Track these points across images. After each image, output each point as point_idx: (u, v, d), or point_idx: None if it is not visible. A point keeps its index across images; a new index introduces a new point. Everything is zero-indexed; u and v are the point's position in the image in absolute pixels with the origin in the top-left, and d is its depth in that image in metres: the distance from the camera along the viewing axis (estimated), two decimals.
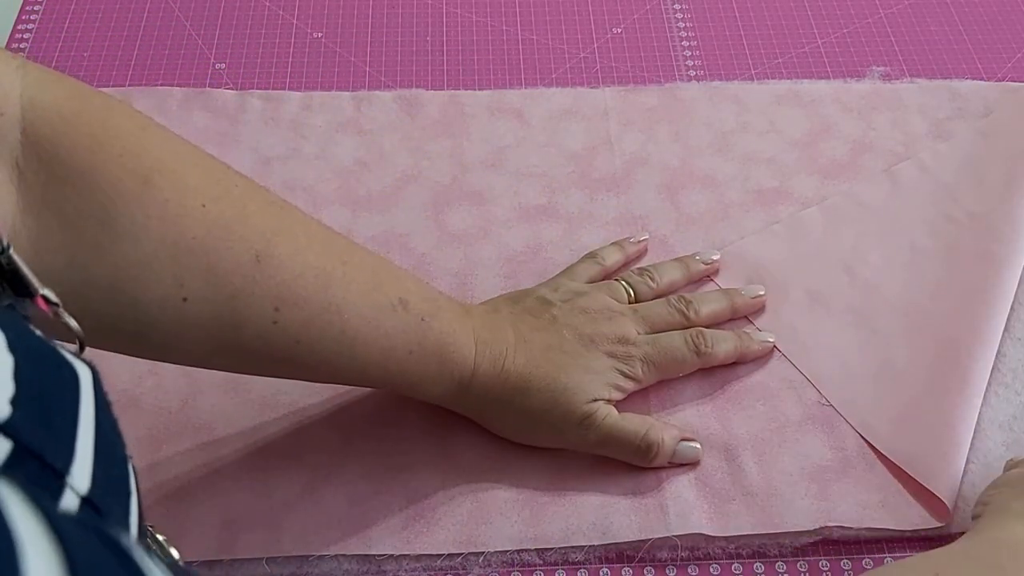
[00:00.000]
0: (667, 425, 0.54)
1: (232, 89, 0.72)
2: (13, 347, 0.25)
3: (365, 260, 0.49)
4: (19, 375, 0.24)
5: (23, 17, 0.76)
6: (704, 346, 0.56)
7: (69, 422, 0.26)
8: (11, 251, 0.33)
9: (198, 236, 0.43)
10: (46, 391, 0.25)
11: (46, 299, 0.33)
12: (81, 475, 0.25)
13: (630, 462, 0.54)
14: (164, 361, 0.48)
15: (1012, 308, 0.59)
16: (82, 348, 0.35)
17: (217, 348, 0.45)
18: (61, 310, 0.34)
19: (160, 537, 0.41)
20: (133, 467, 0.30)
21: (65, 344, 0.32)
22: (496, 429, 0.54)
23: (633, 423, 0.53)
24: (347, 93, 0.72)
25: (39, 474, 0.24)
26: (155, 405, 0.56)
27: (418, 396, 0.52)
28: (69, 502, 0.24)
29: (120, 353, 0.46)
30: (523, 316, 0.55)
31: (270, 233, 0.45)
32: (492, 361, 0.52)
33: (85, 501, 0.25)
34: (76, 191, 0.41)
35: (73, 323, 0.35)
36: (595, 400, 0.53)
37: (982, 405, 0.56)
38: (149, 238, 0.42)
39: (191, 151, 0.46)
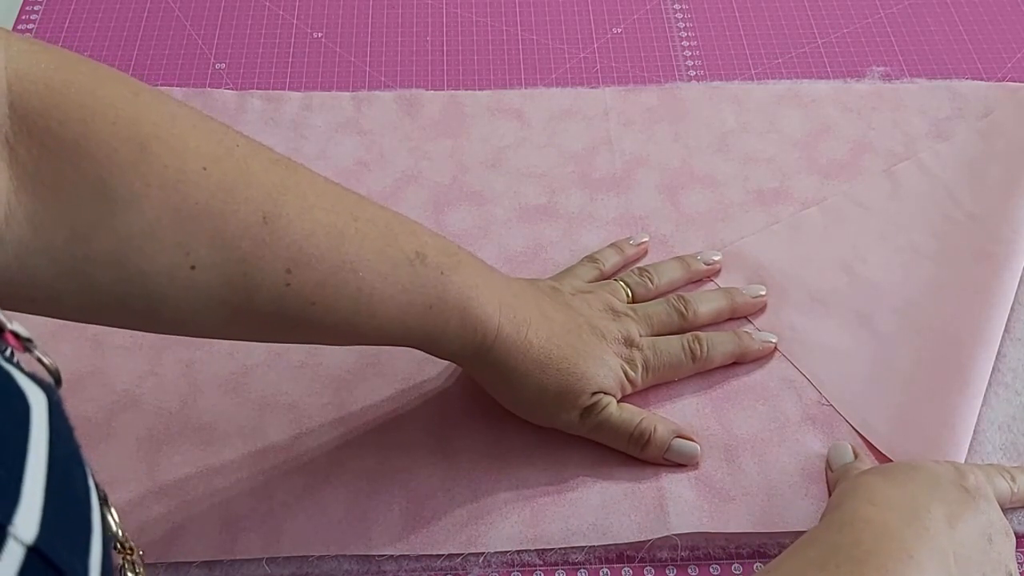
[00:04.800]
0: (664, 419, 0.55)
1: (232, 89, 0.72)
2: None
3: (378, 215, 0.48)
4: None
5: (23, 17, 0.77)
6: (700, 352, 0.56)
7: (14, 463, 0.24)
8: None
9: (201, 201, 0.41)
10: None
11: (16, 335, 0.31)
12: (27, 522, 0.23)
13: (623, 451, 0.54)
14: (178, 334, 0.46)
15: (1012, 308, 0.60)
16: (58, 383, 0.33)
17: (230, 316, 0.44)
18: (33, 346, 0.32)
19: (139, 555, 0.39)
20: (102, 496, 0.28)
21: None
22: (504, 398, 0.54)
23: (629, 412, 0.53)
24: (347, 93, 0.72)
25: None
26: (155, 405, 0.56)
27: (437, 353, 0.51)
28: (12, 553, 0.23)
29: (133, 329, 0.45)
30: (540, 295, 0.54)
31: (276, 192, 0.44)
32: (516, 327, 0.50)
33: (31, 550, 0.23)
34: (71, 164, 0.39)
35: (48, 360, 0.33)
36: (600, 391, 0.53)
37: (981, 405, 0.56)
38: (151, 207, 0.40)
39: (188, 113, 0.44)
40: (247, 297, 0.43)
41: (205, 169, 0.42)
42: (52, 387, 0.27)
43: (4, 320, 0.31)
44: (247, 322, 0.45)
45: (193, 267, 0.42)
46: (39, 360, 0.33)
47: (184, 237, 0.41)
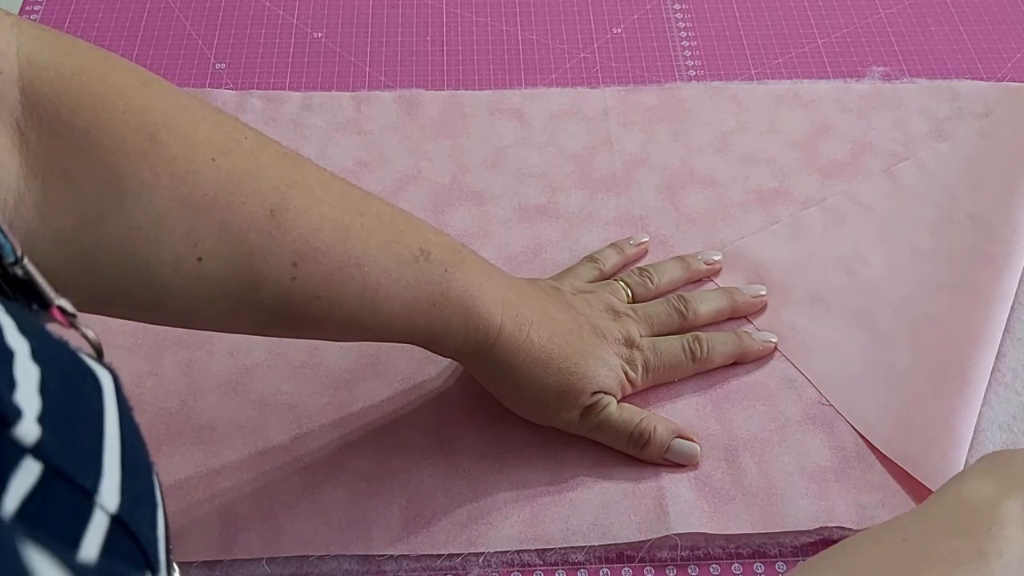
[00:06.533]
0: (664, 419, 0.55)
1: (232, 89, 0.72)
2: (37, 356, 0.24)
3: (383, 211, 0.48)
4: (44, 388, 0.23)
5: (22, 17, 0.77)
6: (700, 352, 0.56)
7: (96, 436, 0.25)
8: (26, 261, 0.31)
9: (209, 192, 0.42)
10: (72, 405, 0.24)
11: (62, 310, 0.32)
12: (110, 492, 0.24)
13: (623, 451, 0.54)
14: (182, 326, 0.46)
15: (1012, 308, 0.60)
16: (100, 357, 0.33)
17: (235, 309, 0.44)
18: (78, 321, 0.32)
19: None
20: (156, 474, 0.29)
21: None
22: (505, 397, 0.54)
23: (629, 412, 0.54)
24: (347, 93, 0.72)
25: (68, 496, 0.23)
26: (155, 405, 0.56)
27: (439, 351, 0.51)
28: (99, 523, 0.23)
29: (136, 321, 0.45)
30: (542, 295, 0.54)
31: (284, 186, 0.44)
32: (518, 325, 0.50)
33: (114, 519, 0.24)
34: (80, 151, 0.39)
35: (91, 334, 0.33)
36: (601, 391, 0.53)
37: (982, 405, 0.56)
38: (159, 197, 0.40)
39: (197, 105, 0.44)
40: (253, 289, 0.43)
41: (214, 161, 0.42)
42: (114, 369, 0.28)
43: (52, 295, 0.32)
44: (252, 315, 0.45)
45: (200, 258, 0.42)
46: (83, 335, 0.33)
47: (192, 228, 0.41)
